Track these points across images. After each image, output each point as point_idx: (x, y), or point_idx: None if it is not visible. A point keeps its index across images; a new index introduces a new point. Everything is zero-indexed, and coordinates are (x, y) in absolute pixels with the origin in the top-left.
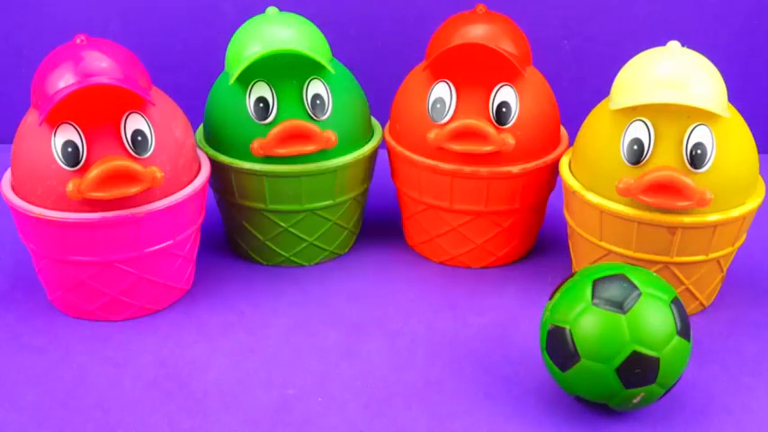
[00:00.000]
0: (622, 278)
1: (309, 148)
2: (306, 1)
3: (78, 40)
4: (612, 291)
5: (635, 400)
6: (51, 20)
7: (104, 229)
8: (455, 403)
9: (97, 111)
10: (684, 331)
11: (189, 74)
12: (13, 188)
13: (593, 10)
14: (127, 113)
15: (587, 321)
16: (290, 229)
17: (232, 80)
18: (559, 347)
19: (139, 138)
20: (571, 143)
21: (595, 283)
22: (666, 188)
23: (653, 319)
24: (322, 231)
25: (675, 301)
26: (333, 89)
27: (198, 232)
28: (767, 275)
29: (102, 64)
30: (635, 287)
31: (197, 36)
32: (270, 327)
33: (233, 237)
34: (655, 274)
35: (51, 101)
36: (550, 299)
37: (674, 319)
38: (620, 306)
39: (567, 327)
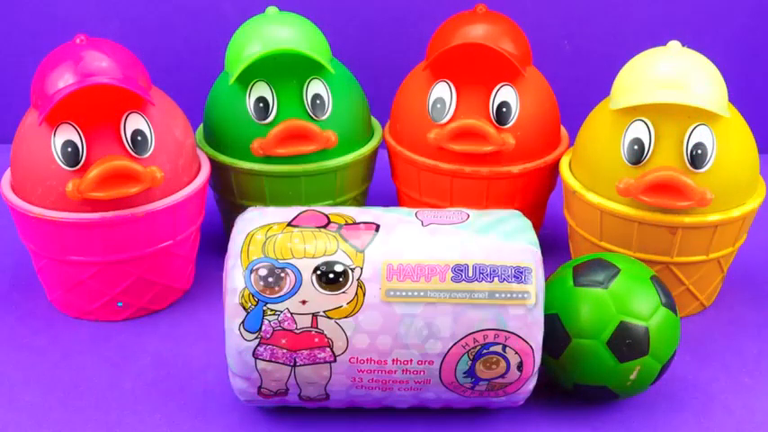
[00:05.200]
0: (600, 261)
1: (309, 148)
2: (306, 1)
3: (78, 40)
4: (592, 271)
5: (632, 376)
6: (51, 20)
7: (104, 229)
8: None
9: (97, 111)
10: (670, 304)
11: (189, 74)
12: (13, 188)
13: (593, 10)
14: (127, 113)
15: (572, 302)
16: None
17: (232, 80)
18: (550, 335)
19: (139, 138)
20: (571, 143)
21: (575, 269)
22: (667, 188)
23: (635, 291)
24: None
25: (655, 278)
26: (333, 89)
27: (198, 232)
28: (767, 275)
29: (101, 64)
30: (613, 266)
31: (197, 36)
32: None
33: None
34: (631, 257)
35: (51, 101)
36: None
37: (657, 291)
38: (601, 283)
39: (555, 312)
